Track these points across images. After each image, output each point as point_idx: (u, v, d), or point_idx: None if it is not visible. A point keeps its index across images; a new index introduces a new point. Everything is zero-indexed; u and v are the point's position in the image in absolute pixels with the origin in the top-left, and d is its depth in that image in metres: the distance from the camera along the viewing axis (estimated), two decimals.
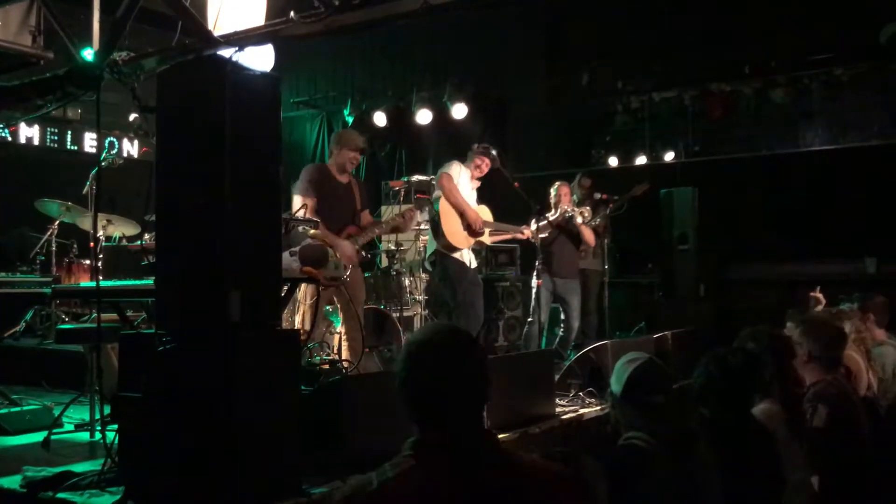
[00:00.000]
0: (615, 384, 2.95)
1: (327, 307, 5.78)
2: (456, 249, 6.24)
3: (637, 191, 7.79)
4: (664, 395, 2.90)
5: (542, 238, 6.73)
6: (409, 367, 1.88)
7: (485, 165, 6.42)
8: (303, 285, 5.27)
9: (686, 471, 2.78)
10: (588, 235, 7.20)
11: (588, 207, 7.26)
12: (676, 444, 2.81)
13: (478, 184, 6.51)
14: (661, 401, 2.88)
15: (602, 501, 2.45)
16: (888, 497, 3.98)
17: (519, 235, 6.90)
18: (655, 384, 2.89)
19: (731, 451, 3.02)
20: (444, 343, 1.90)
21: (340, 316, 5.67)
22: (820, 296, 5.51)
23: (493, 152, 6.44)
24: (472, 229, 6.26)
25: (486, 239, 6.51)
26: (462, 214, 6.22)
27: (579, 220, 7.06)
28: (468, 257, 6.35)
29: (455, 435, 1.82)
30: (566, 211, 7.04)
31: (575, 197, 7.64)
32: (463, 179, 6.36)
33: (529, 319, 6.85)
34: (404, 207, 6.41)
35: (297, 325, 5.54)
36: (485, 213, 6.48)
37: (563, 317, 7.16)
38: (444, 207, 6.26)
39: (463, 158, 6.49)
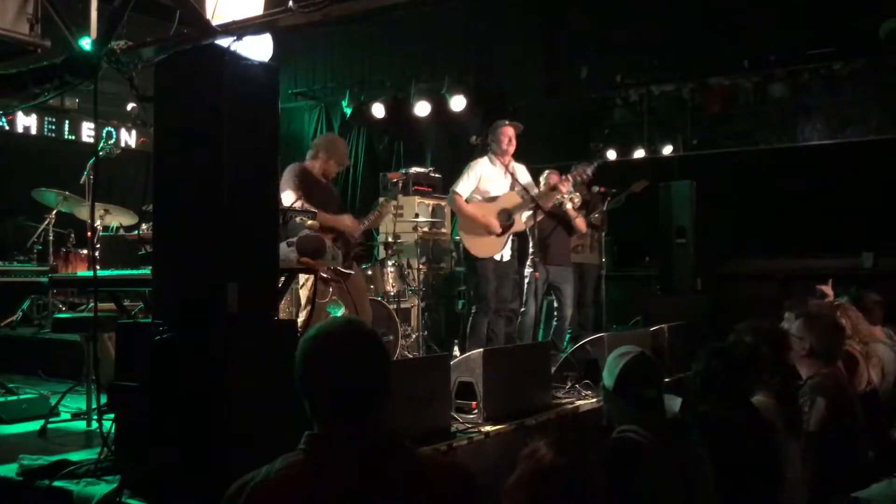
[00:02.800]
0: (607, 378, 2.96)
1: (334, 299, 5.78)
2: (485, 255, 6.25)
3: (636, 187, 7.79)
4: (656, 389, 2.91)
5: (535, 226, 6.63)
6: (303, 362, 1.86)
7: (509, 139, 6.27)
8: (310, 283, 5.32)
9: (679, 463, 2.79)
10: (580, 223, 7.19)
11: (577, 194, 7.22)
12: (670, 437, 2.82)
13: (509, 161, 6.30)
14: (653, 394, 2.89)
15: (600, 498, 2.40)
16: None
17: (561, 187, 6.50)
18: (647, 378, 2.90)
19: (730, 444, 3.03)
20: (335, 337, 1.86)
21: (345, 311, 5.69)
22: (827, 289, 5.50)
23: (506, 121, 6.36)
24: (504, 228, 6.21)
25: (519, 225, 6.34)
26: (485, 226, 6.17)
27: (569, 206, 7.03)
28: (501, 253, 6.30)
29: (348, 430, 1.79)
30: (556, 198, 7.02)
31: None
32: (488, 173, 6.29)
33: (522, 310, 6.85)
34: (381, 201, 6.29)
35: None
36: (511, 199, 6.31)
37: (556, 305, 7.17)
38: (462, 225, 6.29)
39: (483, 152, 6.40)
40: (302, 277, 5.44)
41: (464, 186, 6.24)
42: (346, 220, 5.60)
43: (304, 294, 5.66)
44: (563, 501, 2.03)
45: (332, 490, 1.71)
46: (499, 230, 6.19)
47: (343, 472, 1.73)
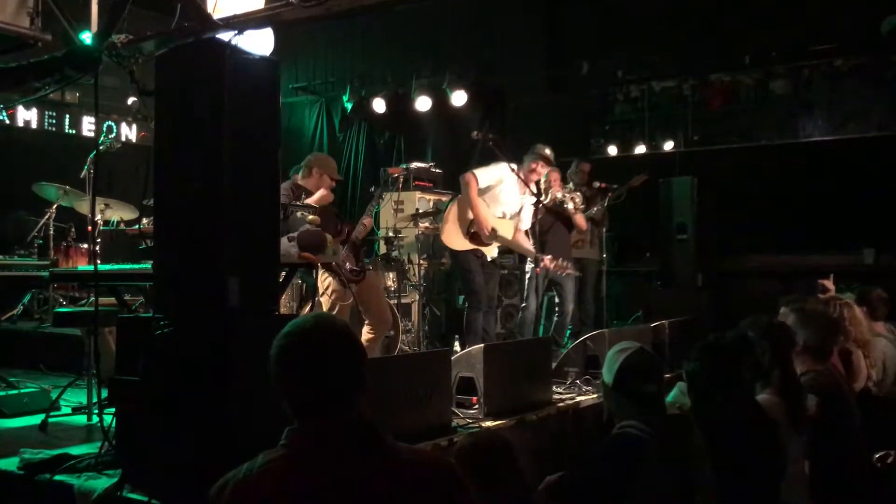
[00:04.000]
0: (607, 374, 2.96)
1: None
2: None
3: (635, 181, 7.79)
4: (656, 385, 2.91)
5: (536, 222, 6.58)
6: (276, 361, 1.86)
7: (540, 168, 6.28)
8: (331, 290, 5.31)
9: (679, 458, 2.79)
10: (580, 220, 7.20)
11: (579, 194, 7.25)
12: (670, 432, 2.82)
13: (527, 189, 6.22)
14: (652, 390, 2.89)
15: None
16: (881, 491, 3.99)
17: (531, 262, 6.58)
18: (646, 373, 2.90)
19: (732, 441, 3.03)
20: (307, 334, 1.87)
21: (361, 311, 5.69)
22: (829, 283, 5.49)
23: (548, 152, 6.33)
24: (475, 236, 6.13)
25: (490, 251, 6.28)
26: (473, 219, 6.10)
27: (570, 206, 7.04)
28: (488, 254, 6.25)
29: (326, 424, 1.80)
30: (557, 197, 7.03)
31: (571, 184, 7.66)
32: (509, 184, 6.22)
33: (523, 305, 6.86)
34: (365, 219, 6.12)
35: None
36: (507, 227, 6.26)
37: (557, 301, 7.17)
38: (453, 207, 6.22)
39: (517, 161, 6.30)
40: (321, 284, 5.44)
41: (483, 177, 6.15)
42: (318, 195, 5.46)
43: (325, 301, 5.63)
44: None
45: (313, 484, 1.72)
46: (483, 235, 6.12)
47: (323, 466, 1.74)
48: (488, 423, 4.04)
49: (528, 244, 6.36)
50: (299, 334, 1.88)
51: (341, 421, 1.81)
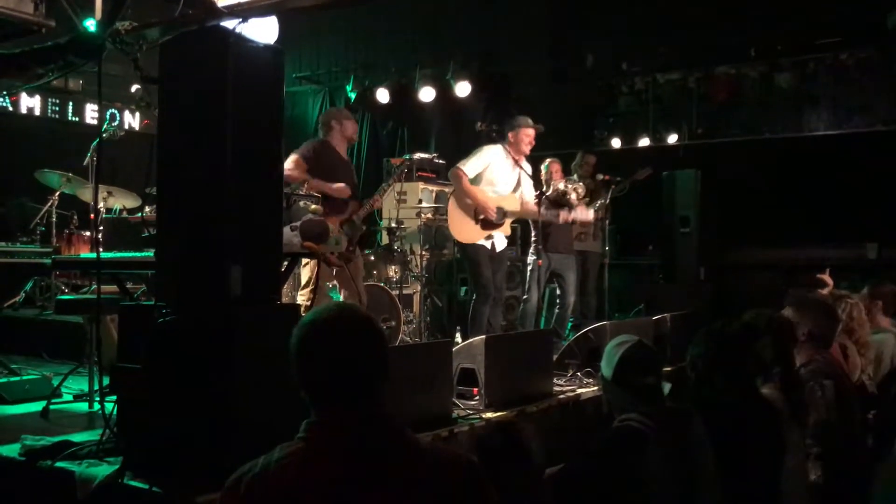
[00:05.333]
0: (606, 368, 2.96)
1: (328, 283, 5.79)
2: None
3: (640, 175, 7.75)
4: (655, 377, 2.91)
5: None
6: (299, 348, 1.82)
7: (529, 142, 6.26)
8: (312, 264, 5.34)
9: (682, 450, 2.79)
10: (582, 211, 7.18)
11: (581, 184, 7.22)
12: (671, 424, 2.82)
13: (521, 159, 6.29)
14: (652, 382, 2.88)
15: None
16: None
17: (555, 220, 6.59)
18: (646, 366, 2.90)
19: (734, 430, 3.02)
20: (330, 323, 1.82)
21: (342, 293, 5.70)
22: (827, 277, 5.49)
23: (529, 121, 6.30)
24: (486, 221, 6.13)
25: (506, 230, 6.28)
26: (476, 208, 6.10)
27: (573, 196, 7.02)
28: (491, 241, 6.22)
29: (346, 417, 1.76)
30: (559, 188, 7.01)
31: (575, 175, 7.64)
32: (498, 164, 6.21)
33: (524, 297, 6.85)
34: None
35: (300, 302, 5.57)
36: (512, 202, 6.25)
37: (558, 293, 7.16)
38: (452, 203, 6.21)
39: (498, 140, 6.30)
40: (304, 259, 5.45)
41: (470, 167, 6.15)
42: (342, 187, 5.64)
43: (304, 273, 5.68)
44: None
45: (333, 478, 1.69)
46: (492, 220, 6.13)
47: (343, 460, 1.71)
48: (489, 415, 4.04)
49: (535, 209, 6.37)
50: (322, 323, 1.83)
51: (362, 413, 1.77)
